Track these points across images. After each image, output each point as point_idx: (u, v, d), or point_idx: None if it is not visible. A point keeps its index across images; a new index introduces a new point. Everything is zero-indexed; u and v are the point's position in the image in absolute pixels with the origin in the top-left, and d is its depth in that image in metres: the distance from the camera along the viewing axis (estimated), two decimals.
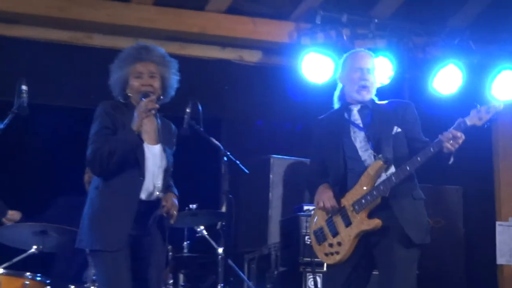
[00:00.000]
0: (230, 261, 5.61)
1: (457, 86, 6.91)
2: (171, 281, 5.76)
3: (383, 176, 4.26)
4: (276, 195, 6.55)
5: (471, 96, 6.70)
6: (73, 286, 5.24)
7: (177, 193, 4.23)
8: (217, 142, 5.25)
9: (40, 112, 5.58)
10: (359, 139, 4.37)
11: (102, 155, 3.94)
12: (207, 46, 7.06)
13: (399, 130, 4.36)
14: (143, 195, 4.03)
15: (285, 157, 6.67)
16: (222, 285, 5.26)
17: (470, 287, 6.85)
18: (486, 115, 4.07)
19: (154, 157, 4.10)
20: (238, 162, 5.28)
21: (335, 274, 4.36)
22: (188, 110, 5.17)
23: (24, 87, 4.78)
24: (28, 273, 5.00)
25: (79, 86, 6.73)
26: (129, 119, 4.01)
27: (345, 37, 6.77)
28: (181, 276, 6.07)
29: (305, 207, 5.95)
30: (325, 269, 4.90)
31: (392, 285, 4.16)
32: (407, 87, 7.09)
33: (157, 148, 4.13)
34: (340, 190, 4.35)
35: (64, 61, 6.72)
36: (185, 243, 5.97)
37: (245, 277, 6.09)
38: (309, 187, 4.61)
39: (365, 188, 4.26)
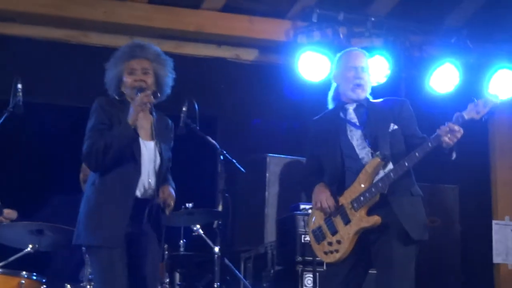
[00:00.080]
0: (226, 260, 5.60)
1: (454, 85, 6.91)
2: (167, 280, 5.75)
3: (381, 173, 4.26)
4: (272, 194, 6.55)
5: (468, 95, 6.63)
6: (69, 285, 5.24)
7: (174, 186, 4.22)
8: (213, 141, 5.24)
9: (36, 111, 5.57)
10: (356, 137, 4.37)
11: (98, 149, 3.94)
12: (203, 44, 7.04)
13: (396, 127, 4.36)
14: (138, 192, 4.03)
15: (281, 155, 6.66)
16: (218, 284, 5.24)
17: (466, 286, 6.83)
18: (484, 108, 4.07)
19: (150, 153, 4.09)
20: (234, 160, 5.27)
21: (333, 272, 4.36)
22: (184, 109, 5.15)
23: (19, 86, 4.78)
24: (24, 272, 5.00)
25: (75, 85, 6.71)
26: (125, 115, 4.01)
27: (341, 36, 6.77)
28: (177, 275, 6.07)
29: (302, 206, 5.94)
30: (324, 267, 4.89)
31: (391, 281, 4.16)
32: (403, 86, 7.09)
33: (152, 144, 4.13)
34: (338, 189, 4.35)
35: (60, 59, 6.70)
36: (181, 242, 5.96)
37: (241, 276, 6.09)
38: (305, 187, 4.60)
39: (363, 185, 4.25)
